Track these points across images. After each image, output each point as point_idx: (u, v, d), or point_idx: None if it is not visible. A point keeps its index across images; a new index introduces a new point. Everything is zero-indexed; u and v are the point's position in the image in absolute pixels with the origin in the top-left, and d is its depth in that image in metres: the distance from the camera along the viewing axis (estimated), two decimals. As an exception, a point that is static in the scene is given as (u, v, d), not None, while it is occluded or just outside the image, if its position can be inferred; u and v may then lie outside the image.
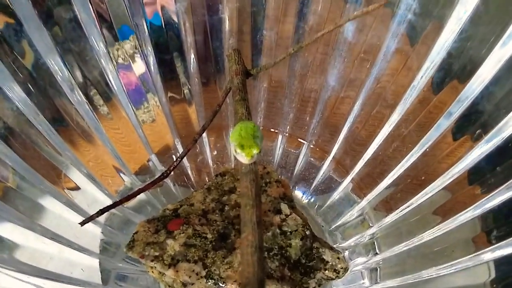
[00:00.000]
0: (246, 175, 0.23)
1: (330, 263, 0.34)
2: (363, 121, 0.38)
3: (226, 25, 0.36)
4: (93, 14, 0.32)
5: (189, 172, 0.43)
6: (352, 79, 0.37)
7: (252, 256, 0.18)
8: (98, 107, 0.36)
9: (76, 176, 0.36)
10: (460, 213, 0.32)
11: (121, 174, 0.39)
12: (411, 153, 0.35)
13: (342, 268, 0.34)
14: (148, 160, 0.41)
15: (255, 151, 0.24)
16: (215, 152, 0.44)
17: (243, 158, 0.24)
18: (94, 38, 0.33)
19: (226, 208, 0.37)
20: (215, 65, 0.39)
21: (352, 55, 0.36)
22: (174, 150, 0.43)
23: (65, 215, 0.35)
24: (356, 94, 0.37)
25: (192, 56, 0.38)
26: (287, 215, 0.36)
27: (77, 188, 0.36)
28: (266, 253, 0.34)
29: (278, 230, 0.35)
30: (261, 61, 0.39)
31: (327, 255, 0.34)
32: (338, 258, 0.34)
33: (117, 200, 0.32)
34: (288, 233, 0.35)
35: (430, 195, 0.34)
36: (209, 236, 0.34)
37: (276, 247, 0.34)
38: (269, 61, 0.35)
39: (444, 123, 0.33)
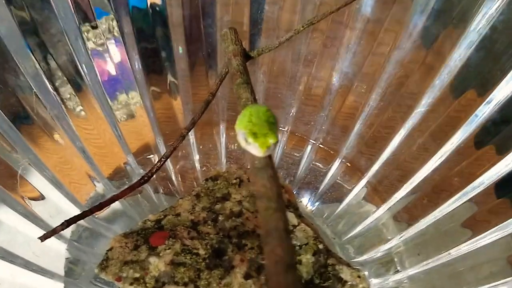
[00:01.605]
0: (262, 171, 0.19)
1: (350, 283, 0.30)
2: (381, 114, 0.34)
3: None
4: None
5: (173, 176, 0.39)
6: (369, 64, 0.33)
7: (284, 276, 0.14)
8: (65, 100, 0.32)
9: (38, 181, 0.31)
10: (491, 229, 0.29)
11: (92, 179, 0.34)
12: (439, 152, 0.31)
13: (363, 288, 0.30)
14: (125, 163, 0.36)
15: (271, 141, 0.19)
16: (203, 153, 0.40)
17: (257, 150, 0.19)
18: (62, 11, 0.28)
19: (220, 218, 0.33)
20: (206, 49, 0.35)
21: (371, 35, 0.32)
22: (155, 150, 0.38)
23: (21, 229, 0.30)
24: (374, 82, 0.34)
25: (179, 37, 0.34)
26: (294, 226, 0.32)
27: (38, 195, 0.31)
28: (271, 272, 0.30)
29: (284, 244, 0.31)
30: (261, 43, 0.35)
31: (345, 274, 0.30)
32: (359, 276, 0.30)
33: (87, 209, 0.28)
34: (297, 248, 0.31)
35: (459, 203, 0.31)
36: (202, 252, 0.30)
37: (283, 264, 0.30)
38: (271, 42, 0.31)
39: (480, 116, 0.29)
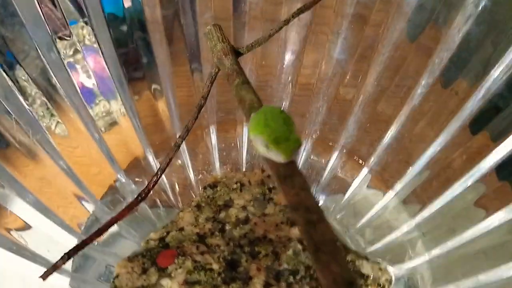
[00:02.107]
0: (291, 179, 0.18)
1: (372, 277, 0.29)
2: (379, 98, 0.33)
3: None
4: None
5: (167, 187, 0.37)
6: (363, 48, 0.32)
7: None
8: (42, 117, 0.29)
9: (20, 209, 0.29)
10: (500, 210, 0.28)
11: (84, 202, 0.32)
12: (444, 131, 0.31)
13: (387, 280, 0.30)
14: (115, 180, 0.34)
15: (295, 144, 0.18)
16: (196, 159, 0.38)
17: (280, 156, 0.18)
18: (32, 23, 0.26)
19: (227, 227, 0.31)
20: (189, 49, 0.33)
21: (361, 17, 0.31)
22: (145, 163, 0.36)
23: (11, 267, 0.28)
24: (369, 65, 0.33)
25: (160, 39, 0.32)
26: (306, 226, 0.31)
27: (23, 225, 0.29)
28: (291, 277, 0.28)
29: (299, 246, 0.30)
30: (246, 37, 0.33)
31: (366, 268, 0.30)
32: (380, 269, 0.30)
33: (82, 235, 0.26)
34: (313, 249, 0.30)
35: (468, 183, 0.31)
36: (215, 266, 0.28)
37: (302, 267, 0.29)
38: (257, 35, 0.30)
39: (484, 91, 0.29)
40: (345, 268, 0.14)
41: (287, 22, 0.30)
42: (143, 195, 0.28)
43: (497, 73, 0.28)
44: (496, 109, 0.29)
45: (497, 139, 0.28)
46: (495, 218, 0.29)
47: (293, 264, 0.29)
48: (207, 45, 0.34)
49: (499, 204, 0.28)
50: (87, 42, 0.31)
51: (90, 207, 0.33)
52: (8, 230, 0.28)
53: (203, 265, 0.28)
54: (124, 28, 0.30)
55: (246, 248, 0.30)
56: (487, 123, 0.29)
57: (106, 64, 0.30)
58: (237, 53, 0.29)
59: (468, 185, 0.31)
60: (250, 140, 0.20)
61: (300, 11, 0.30)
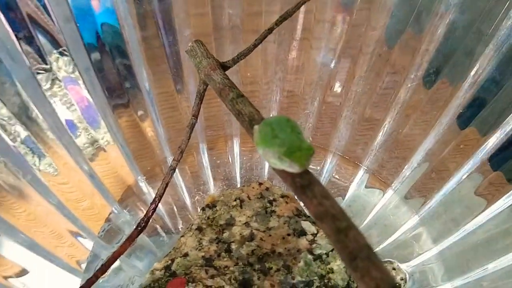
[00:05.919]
0: (311, 189, 0.17)
1: (388, 279, 0.29)
2: (369, 95, 0.34)
3: (181, 9, 0.30)
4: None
5: (164, 213, 0.36)
6: (348, 48, 0.33)
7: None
8: (27, 155, 0.28)
9: (20, 256, 0.28)
10: (499, 198, 0.29)
11: (81, 239, 0.31)
12: (439, 122, 0.31)
13: (402, 279, 0.29)
14: (110, 213, 0.33)
15: (308, 152, 0.18)
16: (190, 180, 0.37)
17: (295, 166, 0.18)
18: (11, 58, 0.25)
19: (233, 246, 0.31)
20: (172, 69, 0.33)
21: (346, 16, 0.32)
22: (138, 191, 0.35)
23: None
24: (355, 65, 0.33)
25: (141, 62, 0.31)
26: (314, 234, 0.31)
27: (24, 272, 0.28)
28: (306, 289, 0.28)
29: (310, 256, 0.30)
30: (228, 51, 0.33)
31: (381, 270, 0.29)
32: (394, 269, 0.30)
33: (87, 275, 0.25)
34: (324, 256, 0.30)
35: (467, 174, 0.31)
36: (228, 288, 0.28)
37: (316, 278, 0.29)
38: (238, 49, 0.30)
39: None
40: (386, 271, 0.14)
41: (270, 30, 0.29)
42: (143, 224, 0.28)
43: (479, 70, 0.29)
44: (481, 104, 0.29)
45: (485, 133, 0.29)
46: (495, 206, 0.29)
47: (306, 275, 0.29)
48: (189, 64, 0.34)
49: (497, 192, 0.29)
50: (63, 73, 0.30)
51: (88, 243, 0.32)
52: (6, 277, 0.27)
53: (215, 289, 0.27)
54: (105, 55, 0.29)
55: (256, 266, 0.29)
56: (473, 118, 0.30)
57: (89, 93, 0.29)
58: (224, 67, 0.29)
59: (465, 175, 0.31)
60: (261, 155, 0.20)
61: (283, 18, 0.30)
